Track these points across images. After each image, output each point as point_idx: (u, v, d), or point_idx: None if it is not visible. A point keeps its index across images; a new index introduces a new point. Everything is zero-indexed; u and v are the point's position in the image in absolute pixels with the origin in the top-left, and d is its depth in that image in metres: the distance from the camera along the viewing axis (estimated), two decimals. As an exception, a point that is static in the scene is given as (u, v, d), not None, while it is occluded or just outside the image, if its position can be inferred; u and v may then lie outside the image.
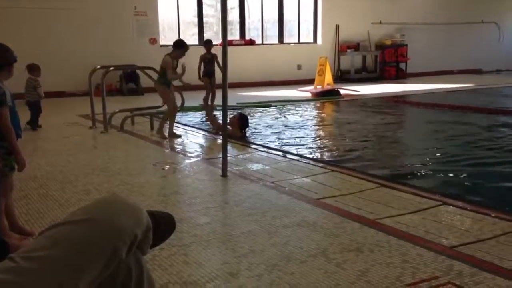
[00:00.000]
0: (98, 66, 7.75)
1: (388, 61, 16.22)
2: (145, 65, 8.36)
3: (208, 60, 9.54)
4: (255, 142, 6.50)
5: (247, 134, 7.07)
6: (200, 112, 9.36)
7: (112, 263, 1.37)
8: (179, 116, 8.52)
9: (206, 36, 13.99)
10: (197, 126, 7.84)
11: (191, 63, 11.73)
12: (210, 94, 9.67)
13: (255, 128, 7.62)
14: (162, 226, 1.73)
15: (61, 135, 7.18)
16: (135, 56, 11.84)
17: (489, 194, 4.22)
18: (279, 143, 6.51)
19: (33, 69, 7.55)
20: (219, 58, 6.61)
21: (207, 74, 9.54)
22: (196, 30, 14.08)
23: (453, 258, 2.80)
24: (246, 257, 2.87)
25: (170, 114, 6.83)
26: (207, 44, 9.68)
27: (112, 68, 7.84)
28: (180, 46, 6.70)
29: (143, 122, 7.88)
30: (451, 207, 3.69)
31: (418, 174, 4.95)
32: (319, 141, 6.87)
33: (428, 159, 5.63)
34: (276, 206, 3.76)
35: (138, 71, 11.87)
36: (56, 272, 1.28)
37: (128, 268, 1.51)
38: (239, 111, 8.26)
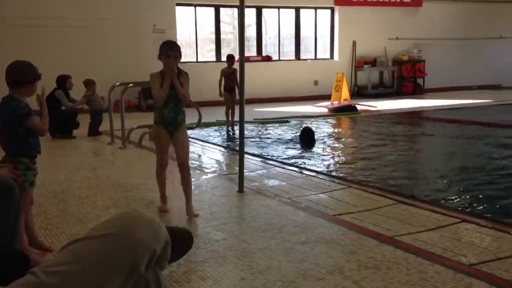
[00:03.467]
0: (118, 83, 7.86)
1: (405, 76, 16.17)
2: (163, 82, 8.43)
3: (229, 75, 9.62)
4: (271, 157, 6.51)
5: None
6: (217, 127, 9.41)
7: (132, 278, 1.39)
8: (197, 132, 8.58)
9: (224, 52, 14.14)
10: (213, 141, 7.88)
11: (209, 78, 11.89)
12: (230, 109, 9.72)
13: (271, 144, 7.64)
14: (181, 241, 1.75)
15: (80, 151, 7.28)
16: (153, 73, 11.99)
17: (509, 212, 4.16)
18: (295, 159, 6.51)
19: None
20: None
21: (227, 89, 9.61)
22: (213, 46, 14.23)
23: (472, 276, 2.76)
24: (263, 273, 2.87)
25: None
26: (230, 59, 9.77)
27: (131, 84, 7.94)
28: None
29: (160, 137, 7.93)
30: (470, 224, 3.65)
31: (436, 190, 4.91)
32: (335, 157, 6.86)
33: (446, 175, 5.58)
34: (293, 222, 3.76)
35: (156, 87, 11.99)
36: (77, 287, 1.31)
37: (147, 283, 1.52)
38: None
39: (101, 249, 1.37)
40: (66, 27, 11.90)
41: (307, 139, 7.76)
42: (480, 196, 4.67)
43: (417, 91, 16.16)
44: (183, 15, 13.66)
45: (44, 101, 3.29)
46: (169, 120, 3.91)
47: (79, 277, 1.31)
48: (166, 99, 3.84)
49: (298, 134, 8.23)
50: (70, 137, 8.31)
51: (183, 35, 13.84)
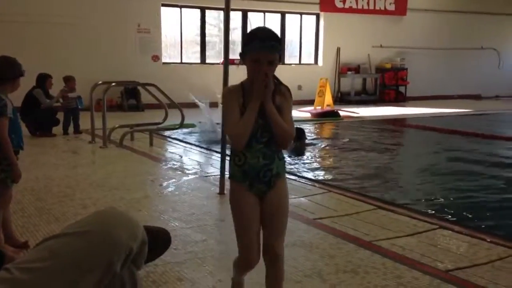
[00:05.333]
0: (100, 82, 7.80)
1: (388, 84, 16.32)
2: (147, 82, 8.41)
3: None
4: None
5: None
6: (200, 129, 9.38)
7: (107, 276, 1.38)
8: (178, 133, 8.54)
9: (209, 54, 14.15)
10: (196, 143, 7.85)
11: (193, 79, 11.78)
12: None
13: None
14: (158, 241, 1.74)
15: (59, 149, 7.20)
16: (136, 73, 11.90)
17: (485, 219, 4.22)
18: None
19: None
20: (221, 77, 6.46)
21: None
22: (198, 48, 14.20)
23: (448, 282, 2.79)
24: (241, 275, 2.86)
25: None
26: None
27: (113, 84, 7.89)
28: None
29: (142, 138, 7.90)
30: (447, 231, 3.69)
31: (415, 197, 4.95)
32: (317, 161, 6.88)
33: (425, 182, 5.64)
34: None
35: (139, 88, 11.94)
36: (51, 284, 1.29)
37: (122, 282, 1.51)
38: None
39: (76, 246, 1.36)
40: (48, 24, 11.77)
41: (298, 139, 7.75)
42: (458, 203, 4.72)
43: (399, 99, 16.32)
44: (168, 15, 13.61)
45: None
46: (256, 172, 2.21)
47: (53, 274, 1.30)
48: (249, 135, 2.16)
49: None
50: (50, 135, 8.22)
51: (168, 37, 13.80)
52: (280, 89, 2.26)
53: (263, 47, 2.09)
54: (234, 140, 2.16)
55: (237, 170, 2.21)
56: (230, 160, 2.27)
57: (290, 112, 2.30)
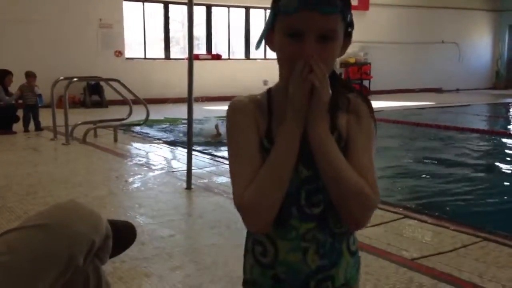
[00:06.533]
0: (61, 77, 7.61)
1: (352, 78, 16.50)
2: (110, 77, 8.26)
3: None
4: (219, 155, 6.47)
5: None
6: (165, 125, 9.29)
7: (69, 270, 1.33)
8: (144, 129, 8.43)
9: (173, 50, 14.01)
10: (162, 138, 7.76)
11: (158, 75, 11.60)
12: None
13: (220, 142, 7.60)
14: (123, 235, 1.70)
15: (20, 147, 7.01)
16: (99, 68, 11.69)
17: (449, 208, 4.31)
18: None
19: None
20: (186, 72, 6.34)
21: None
22: (162, 44, 14.04)
23: (414, 270, 2.83)
24: (209, 269, 2.85)
25: None
26: None
27: (75, 79, 7.72)
28: None
29: (106, 134, 7.75)
30: (413, 220, 3.75)
31: (381, 187, 5.01)
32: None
33: (390, 173, 5.72)
34: (240, 219, 3.74)
35: (102, 83, 11.72)
36: (9, 280, 1.24)
37: (86, 276, 1.47)
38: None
39: (35, 240, 1.31)
40: (8, 21, 11.41)
41: None
42: (423, 193, 4.81)
43: (363, 93, 16.48)
44: (131, 10, 13.41)
45: None
46: (302, 283, 1.17)
47: (10, 269, 1.24)
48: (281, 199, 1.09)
49: None
50: (10, 132, 7.98)
51: (132, 32, 13.59)
52: (349, 100, 1.21)
53: (308, 3, 1.03)
54: (245, 216, 1.16)
55: (260, 274, 1.18)
56: (245, 249, 1.25)
57: (370, 148, 1.16)
